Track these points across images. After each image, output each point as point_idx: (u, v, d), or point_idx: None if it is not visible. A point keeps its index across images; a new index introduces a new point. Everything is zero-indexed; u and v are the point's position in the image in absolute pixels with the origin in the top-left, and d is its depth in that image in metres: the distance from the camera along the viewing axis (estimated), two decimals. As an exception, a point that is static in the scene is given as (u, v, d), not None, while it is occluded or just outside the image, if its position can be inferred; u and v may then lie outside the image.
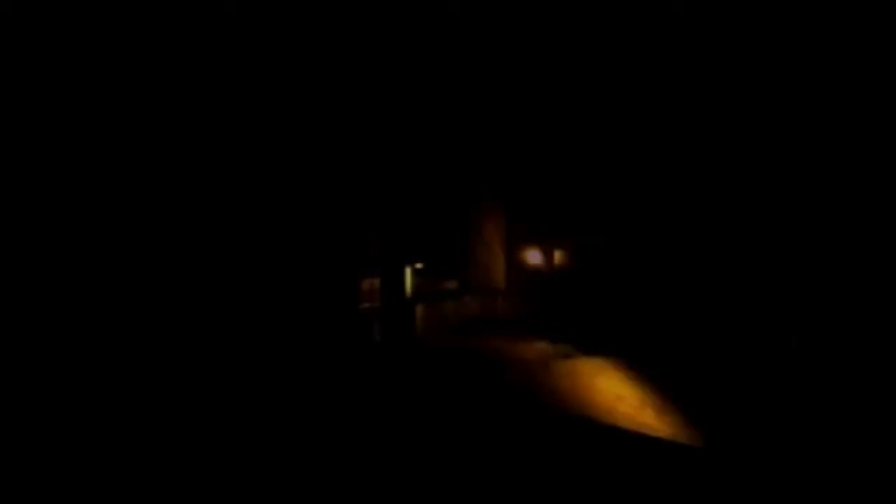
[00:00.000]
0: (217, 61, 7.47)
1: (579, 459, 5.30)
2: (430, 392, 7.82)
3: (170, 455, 4.99)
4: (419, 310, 13.35)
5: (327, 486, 4.69)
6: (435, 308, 13.68)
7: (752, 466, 4.97)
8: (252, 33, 7.82)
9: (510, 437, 6.05)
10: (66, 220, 5.90)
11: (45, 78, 5.87)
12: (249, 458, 5.08)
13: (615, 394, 7.41)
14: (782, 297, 7.08)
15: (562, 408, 7.01)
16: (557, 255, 13.04)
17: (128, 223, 6.55)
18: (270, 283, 9.19)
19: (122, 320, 6.33)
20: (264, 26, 7.98)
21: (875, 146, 6.67)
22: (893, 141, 6.55)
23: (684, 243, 8.37)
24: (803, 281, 6.97)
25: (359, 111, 10.46)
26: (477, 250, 15.09)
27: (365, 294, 12.27)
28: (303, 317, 10.02)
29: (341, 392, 7.66)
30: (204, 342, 7.66)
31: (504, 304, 14.89)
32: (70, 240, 5.89)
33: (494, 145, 13.72)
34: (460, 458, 5.38)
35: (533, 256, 14.05)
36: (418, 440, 5.95)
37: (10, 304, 5.40)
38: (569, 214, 12.37)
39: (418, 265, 13.82)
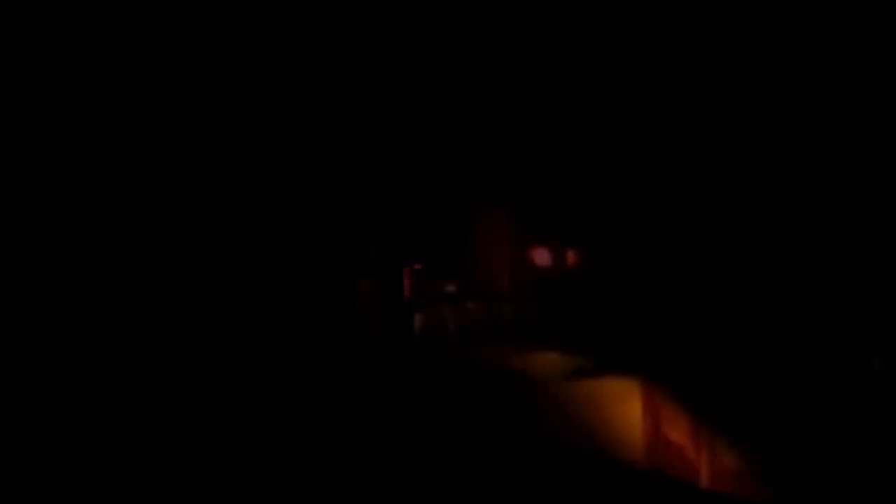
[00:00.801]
0: (213, 59, 7.49)
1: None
2: (427, 422, 6.69)
3: (152, 471, 4.91)
4: (418, 316, 12.38)
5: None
6: (434, 313, 12.71)
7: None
8: (251, 31, 7.82)
9: (520, 486, 4.86)
10: (56, 221, 5.98)
11: (45, 78, 5.97)
12: (233, 474, 4.99)
13: (650, 427, 6.11)
14: (860, 306, 5.82)
15: (582, 445, 5.76)
16: (570, 256, 12.00)
17: (111, 218, 6.54)
18: (258, 285, 8.78)
19: (99, 320, 6.28)
20: (263, 24, 7.93)
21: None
22: None
23: (733, 239, 7.12)
24: (888, 286, 5.71)
25: (354, 104, 10.09)
26: (480, 250, 14.08)
27: (361, 297, 11.36)
28: (290, 323, 9.26)
29: (328, 411, 6.93)
30: (183, 345, 7.35)
31: (509, 309, 13.72)
32: (55, 242, 5.95)
33: (498, 133, 12.72)
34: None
35: (542, 257, 13.01)
36: (409, 482, 5.13)
37: (8, 304, 5.52)
38: (585, 210, 11.25)
39: (417, 266, 12.92)
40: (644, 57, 9.27)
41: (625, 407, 6.67)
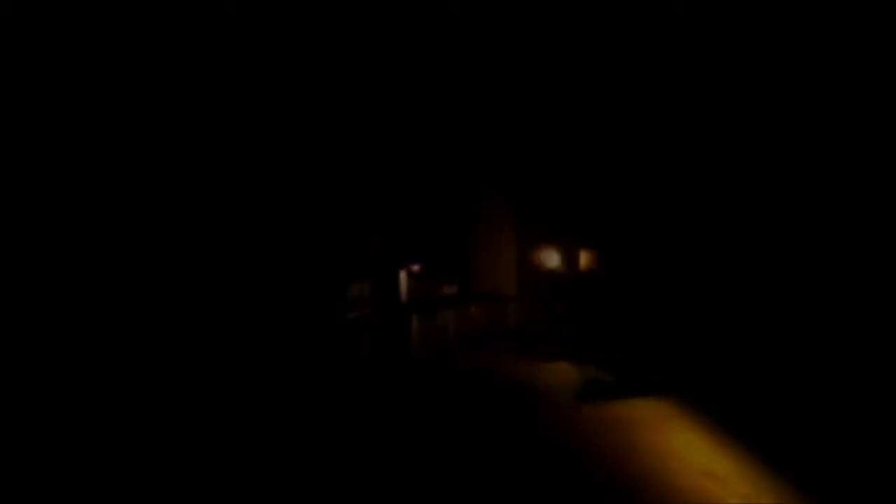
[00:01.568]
0: (213, 59, 7.56)
1: None
2: (420, 450, 5.61)
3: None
4: (415, 322, 11.30)
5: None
6: (434, 319, 11.72)
7: None
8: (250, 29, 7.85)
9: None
10: (44, 223, 6.03)
11: (45, 78, 6.02)
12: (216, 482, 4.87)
13: (699, 466, 4.99)
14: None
15: (612, 487, 4.67)
16: (584, 256, 10.84)
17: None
18: (236, 286, 8.10)
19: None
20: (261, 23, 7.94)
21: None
22: None
23: (766, 236, 6.07)
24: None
25: (351, 99, 9.69)
26: (482, 250, 13.35)
27: (353, 301, 10.47)
28: (272, 330, 8.45)
29: (311, 435, 6.08)
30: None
31: (515, 314, 12.85)
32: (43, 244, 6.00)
33: (503, 125, 11.94)
34: None
35: (550, 258, 12.01)
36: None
37: (8, 304, 5.57)
38: (600, 205, 10.06)
39: (415, 267, 12.24)
40: (647, 55, 8.77)
41: (662, 437, 5.55)
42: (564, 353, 10.33)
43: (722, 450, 5.31)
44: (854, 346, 5.49)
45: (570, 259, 11.32)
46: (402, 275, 11.37)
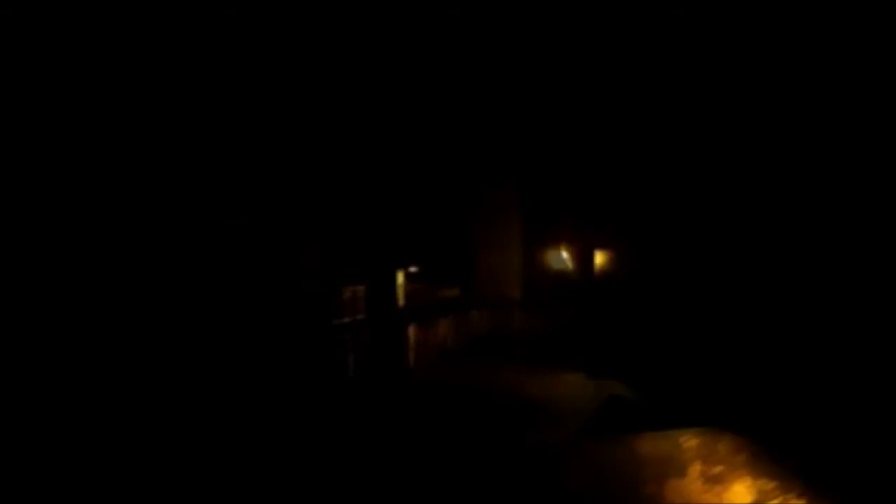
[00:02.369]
0: (212, 59, 7.75)
1: None
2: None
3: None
4: (412, 330, 10.59)
5: None
6: (433, 325, 11.18)
7: None
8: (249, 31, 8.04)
9: None
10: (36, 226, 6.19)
11: (45, 78, 6.23)
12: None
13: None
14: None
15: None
16: (599, 256, 10.21)
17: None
18: (225, 290, 7.65)
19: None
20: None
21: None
22: None
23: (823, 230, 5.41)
24: None
25: (345, 91, 9.50)
26: (485, 250, 12.76)
27: (344, 306, 9.72)
28: (250, 338, 7.78)
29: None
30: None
31: (520, 320, 12.36)
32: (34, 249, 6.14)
33: (508, 115, 11.40)
34: None
35: (560, 259, 11.41)
36: None
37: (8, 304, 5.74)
38: (619, 199, 9.32)
39: (412, 268, 11.52)
40: (650, 54, 8.69)
41: (729, 495, 4.26)
42: (577, 364, 9.57)
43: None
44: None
45: (583, 260, 10.70)
46: (399, 276, 10.66)
